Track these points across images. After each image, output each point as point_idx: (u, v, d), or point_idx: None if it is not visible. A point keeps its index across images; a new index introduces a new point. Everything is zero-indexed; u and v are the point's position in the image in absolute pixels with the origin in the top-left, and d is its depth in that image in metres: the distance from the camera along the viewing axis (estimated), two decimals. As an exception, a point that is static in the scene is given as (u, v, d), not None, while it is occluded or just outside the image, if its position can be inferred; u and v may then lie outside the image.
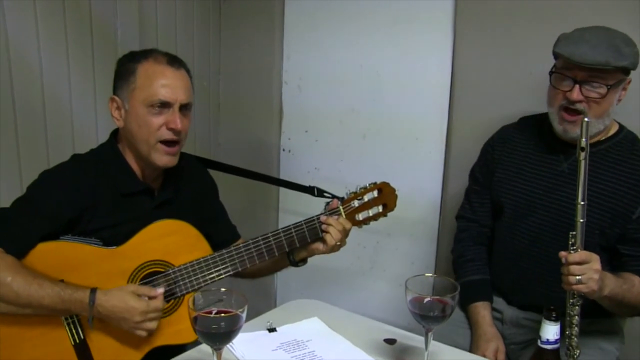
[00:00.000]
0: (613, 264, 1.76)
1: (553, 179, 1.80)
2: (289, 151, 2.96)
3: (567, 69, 1.67)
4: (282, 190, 2.98)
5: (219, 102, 3.10)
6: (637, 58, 1.65)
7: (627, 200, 1.70)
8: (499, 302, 1.94)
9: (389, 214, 1.76)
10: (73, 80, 2.32)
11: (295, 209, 2.91)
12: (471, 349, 1.85)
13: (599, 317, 1.78)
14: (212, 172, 2.71)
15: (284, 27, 2.87)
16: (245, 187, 2.98)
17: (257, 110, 2.99)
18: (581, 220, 1.46)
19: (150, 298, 1.49)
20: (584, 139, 1.42)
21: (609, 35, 1.65)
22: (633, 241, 1.71)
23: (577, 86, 1.64)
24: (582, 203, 1.45)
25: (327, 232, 1.64)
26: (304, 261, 1.76)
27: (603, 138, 1.77)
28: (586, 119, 1.43)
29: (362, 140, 2.73)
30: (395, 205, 1.75)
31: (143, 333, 1.50)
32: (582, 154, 1.42)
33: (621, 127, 1.80)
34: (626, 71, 1.66)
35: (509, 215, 1.89)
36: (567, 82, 1.67)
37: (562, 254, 1.49)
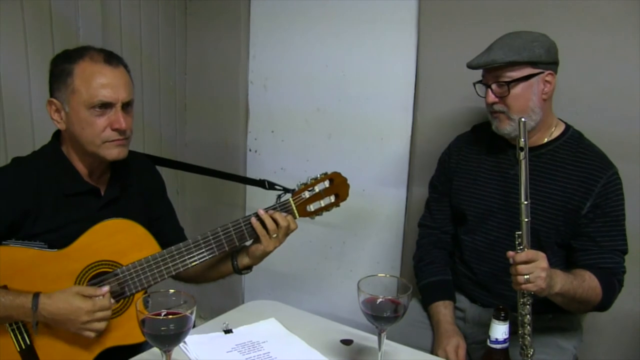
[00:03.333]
0: (569, 260, 1.79)
1: (507, 182, 1.84)
2: (256, 151, 2.95)
3: (482, 77, 1.80)
4: (249, 188, 2.97)
5: (185, 102, 3.08)
6: (542, 53, 1.70)
7: (577, 197, 1.73)
8: (462, 300, 1.96)
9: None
10: (33, 81, 2.28)
11: (263, 207, 2.90)
12: (432, 348, 1.86)
13: (560, 312, 1.80)
14: (177, 173, 2.71)
15: (250, 26, 2.86)
16: (212, 186, 2.97)
17: (224, 110, 2.98)
18: (526, 220, 1.47)
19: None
20: (522, 139, 1.43)
21: (514, 37, 1.73)
22: (583, 235, 1.75)
23: (488, 90, 1.75)
24: (526, 202, 1.46)
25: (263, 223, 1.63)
26: (248, 269, 1.74)
27: (551, 139, 1.81)
28: (523, 119, 1.45)
29: (328, 140, 2.73)
30: (347, 195, 1.75)
31: (91, 334, 1.47)
32: (522, 154, 1.44)
33: (567, 127, 1.84)
34: (536, 65, 1.71)
35: (469, 220, 1.92)
36: (483, 89, 1.78)
37: (510, 254, 1.50)
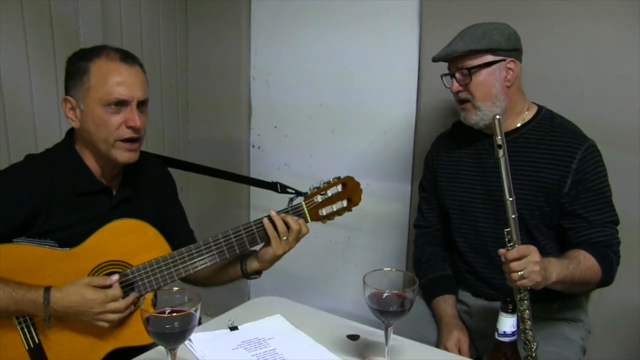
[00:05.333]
0: (561, 240, 1.79)
1: (485, 173, 1.85)
2: (259, 147, 2.94)
3: (447, 69, 1.83)
4: (254, 187, 2.95)
5: (188, 100, 3.07)
6: (501, 40, 1.73)
7: (555, 176, 1.73)
8: (466, 295, 1.95)
9: (354, 208, 1.73)
10: (34, 81, 2.28)
11: (267, 206, 2.89)
12: (437, 344, 1.85)
13: (566, 300, 1.81)
14: (180, 171, 2.70)
15: (251, 22, 2.85)
16: (216, 185, 2.96)
17: (226, 107, 2.97)
18: (513, 216, 1.45)
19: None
20: (499, 137, 1.40)
21: (475, 28, 1.76)
22: (570, 214, 1.74)
23: (453, 80, 1.80)
24: (511, 199, 1.44)
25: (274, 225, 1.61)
26: (257, 274, 1.73)
27: (524, 122, 1.82)
28: (498, 117, 1.41)
29: (331, 135, 2.72)
30: (360, 200, 1.72)
31: (105, 324, 1.48)
32: (500, 152, 1.41)
33: (540, 109, 1.85)
34: (496, 53, 1.73)
35: (455, 215, 1.93)
36: (449, 80, 1.82)
37: (501, 252, 1.48)
